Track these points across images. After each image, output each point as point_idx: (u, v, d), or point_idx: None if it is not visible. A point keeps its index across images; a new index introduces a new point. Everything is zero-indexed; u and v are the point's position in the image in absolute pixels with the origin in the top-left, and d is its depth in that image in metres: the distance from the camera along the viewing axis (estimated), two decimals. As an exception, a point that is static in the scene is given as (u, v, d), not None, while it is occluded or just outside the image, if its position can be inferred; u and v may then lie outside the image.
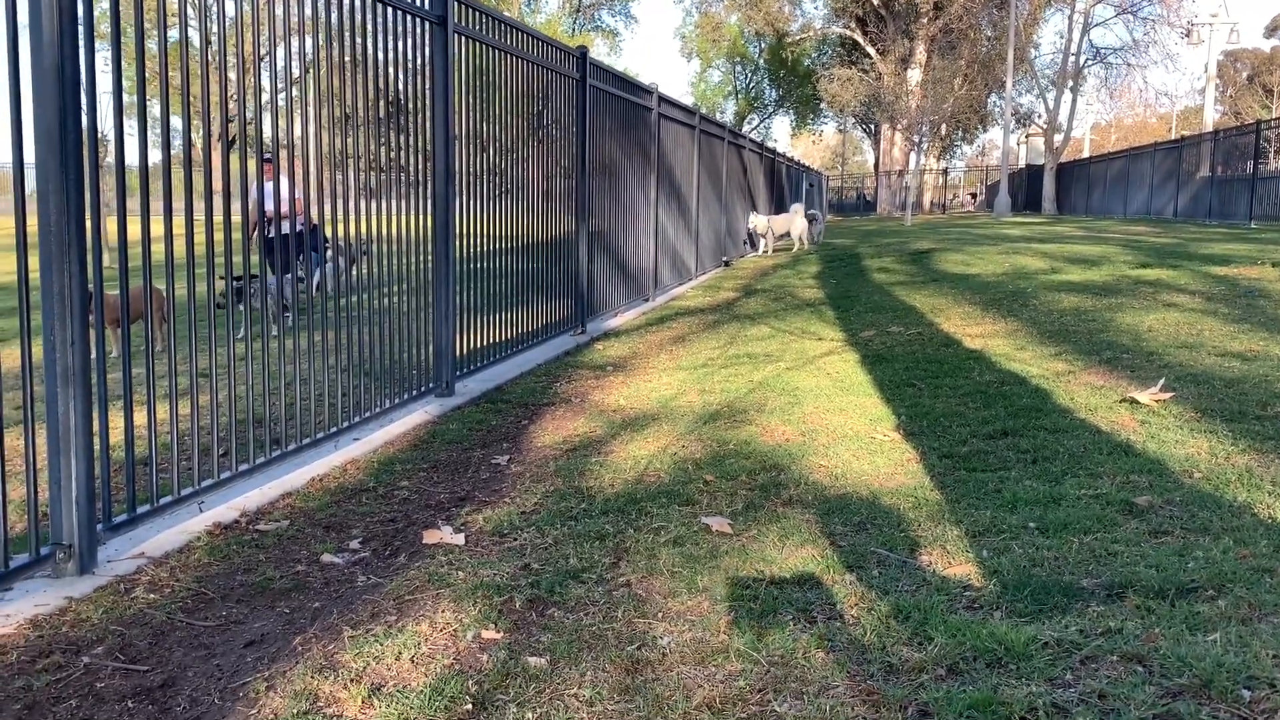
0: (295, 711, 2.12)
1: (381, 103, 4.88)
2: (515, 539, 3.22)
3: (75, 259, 2.89)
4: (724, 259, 15.82)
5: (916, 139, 31.40)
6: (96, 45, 3.01)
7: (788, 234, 19.10)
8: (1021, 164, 47.13)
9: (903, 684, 2.14)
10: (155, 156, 3.70)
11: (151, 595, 2.80)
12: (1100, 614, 2.45)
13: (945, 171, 51.31)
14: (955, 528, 3.19)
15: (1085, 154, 52.24)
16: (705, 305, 10.23)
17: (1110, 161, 36.00)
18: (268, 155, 4.14)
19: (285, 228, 5.01)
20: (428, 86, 5.31)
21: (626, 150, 9.44)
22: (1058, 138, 40.37)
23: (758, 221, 18.19)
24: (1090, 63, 40.84)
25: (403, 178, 5.14)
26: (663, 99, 10.69)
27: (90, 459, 2.97)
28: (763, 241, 18.55)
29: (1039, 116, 43.43)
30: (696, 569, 2.89)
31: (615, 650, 2.36)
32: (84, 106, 2.91)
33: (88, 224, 2.93)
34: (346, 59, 4.47)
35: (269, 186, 4.26)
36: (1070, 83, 39.77)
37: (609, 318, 9.01)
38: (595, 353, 7.24)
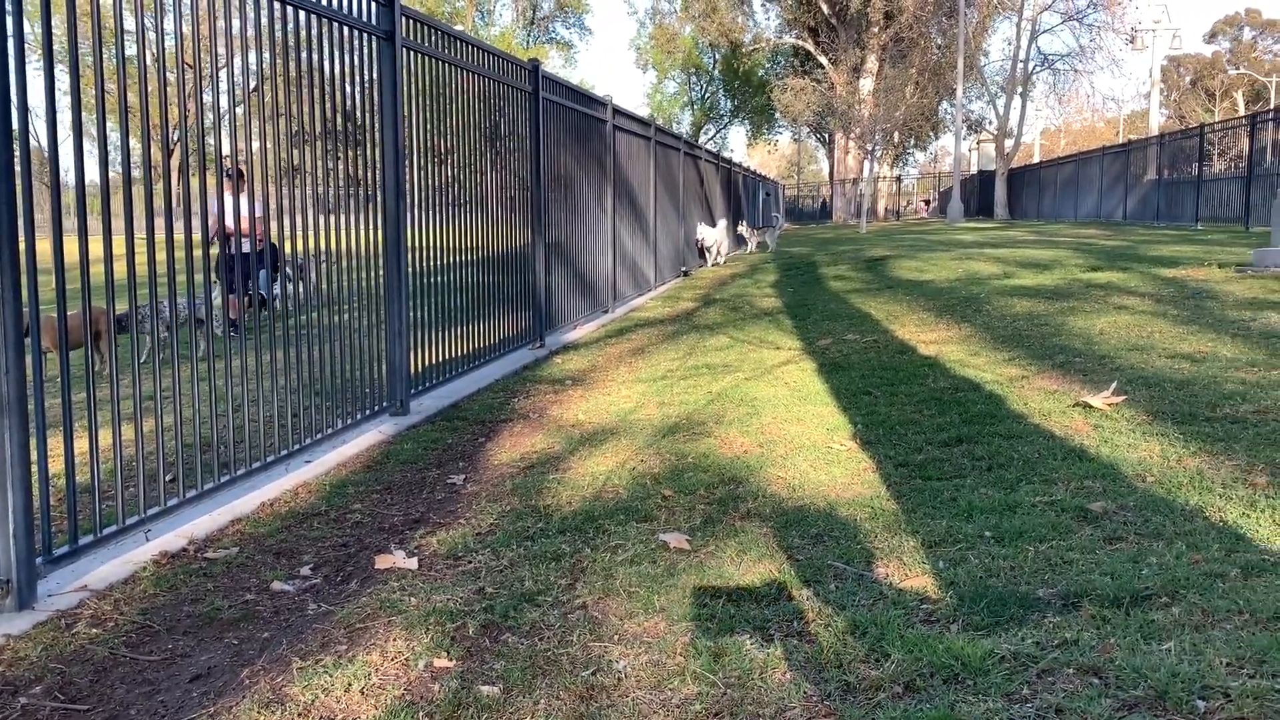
0: (240, 750, 2.06)
1: (332, 118, 4.82)
2: (470, 562, 3.17)
3: (9, 285, 2.81)
4: (683, 269, 15.84)
5: (870, 147, 31.69)
6: (35, 61, 2.93)
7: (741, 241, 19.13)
8: (973, 170, 47.74)
9: (860, 703, 2.12)
10: (112, 175, 3.61)
11: (94, 630, 2.72)
12: (1056, 625, 2.45)
13: (899, 179, 51.84)
14: (911, 538, 3.18)
15: (1036, 159, 53.03)
16: (664, 316, 10.22)
17: (1060, 166, 36.56)
18: (231, 170, 4.07)
19: (243, 245, 4.92)
20: (377, 101, 5.25)
21: (582, 162, 9.41)
22: (1008, 143, 40.95)
23: (705, 233, 18.03)
24: (1039, 69, 41.54)
25: (354, 192, 5.07)
26: (617, 111, 10.68)
27: (29, 490, 2.87)
28: (709, 254, 18.44)
29: (990, 123, 44.08)
30: (654, 588, 2.86)
31: (570, 676, 2.32)
32: (14, 124, 2.83)
33: (21, 246, 2.85)
34: (295, 75, 4.40)
35: (228, 202, 4.18)
36: (1020, 89, 40.39)
37: (568, 330, 8.97)
38: (554, 366, 7.20)
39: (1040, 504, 3.45)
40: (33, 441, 2.92)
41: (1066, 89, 41.68)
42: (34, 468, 2.91)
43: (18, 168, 2.83)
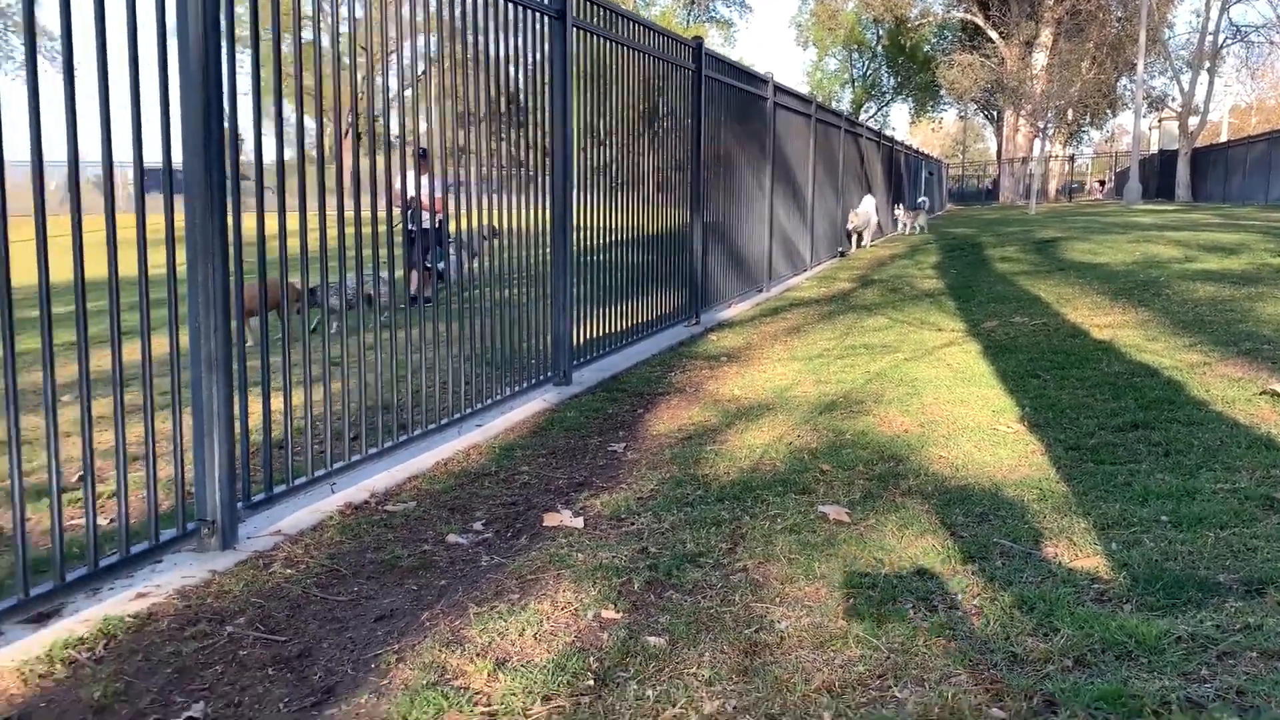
0: (425, 682, 2.20)
1: (502, 98, 4.99)
2: (632, 523, 3.27)
3: (218, 252, 3.05)
4: (839, 250, 15.62)
5: (1041, 125, 30.34)
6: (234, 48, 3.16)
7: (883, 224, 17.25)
8: (1154, 149, 45.06)
9: (1027, 674, 2.10)
10: (295, 154, 3.87)
11: (288, 570, 2.93)
12: (1238, 610, 2.35)
13: (1072, 158, 49.44)
14: (1082, 520, 3.10)
15: (1223, 138, 49.63)
16: (820, 296, 10.13)
17: (1250, 145, 34.08)
18: (422, 149, 4.29)
19: (426, 221, 5.17)
20: (547, 80, 5.40)
21: (741, 140, 9.40)
22: (1193, 121, 38.46)
23: (858, 214, 16.76)
24: (1229, 42, 38.76)
25: (521, 172, 5.24)
26: (778, 88, 10.61)
27: (232, 441, 3.13)
28: (865, 236, 17.38)
29: (1173, 100, 41.45)
30: (813, 556, 2.89)
31: (733, 633, 2.38)
32: (225, 107, 3.07)
33: (229, 220, 3.09)
34: (469, 56, 4.58)
35: (420, 181, 4.40)
36: (1207, 64, 37.82)
37: (722, 309, 9.01)
38: (709, 343, 7.25)
39: (1222, 491, 3.30)
40: (234, 399, 3.16)
41: (1260, 63, 38.86)
42: (235, 423, 3.16)
43: (226, 149, 3.07)
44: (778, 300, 9.91)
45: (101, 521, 3.01)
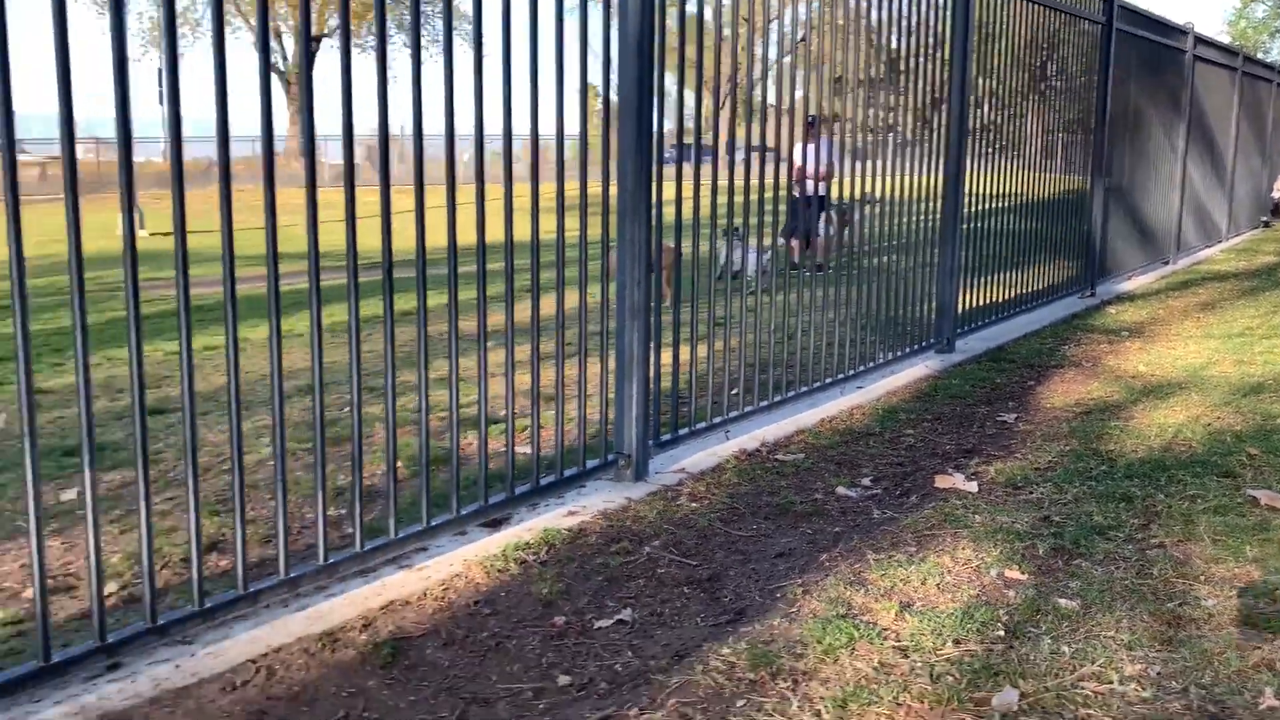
0: (833, 614, 2.33)
1: (892, 63, 4.96)
2: (1031, 492, 3.20)
3: (644, 212, 3.34)
4: (1263, 220, 13.86)
5: None
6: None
7: None
8: None
9: None
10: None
11: (693, 504, 3.18)
12: None
13: None
14: None
15: None
16: (1239, 270, 9.10)
17: None
18: (811, 119, 4.43)
19: (817, 189, 5.29)
20: (944, 41, 5.28)
21: (1152, 97, 8.62)
22: None
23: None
24: None
25: (905, 137, 5.17)
26: (1198, 39, 9.58)
27: (647, 384, 3.43)
28: None
29: None
30: (1243, 539, 2.69)
31: (1152, 604, 2.29)
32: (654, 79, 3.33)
33: (653, 185, 3.37)
34: (856, 20, 4.60)
35: (809, 149, 4.54)
36: None
37: (1121, 280, 8.36)
38: (1107, 316, 6.79)
39: None
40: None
41: None
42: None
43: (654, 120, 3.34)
44: (1186, 273, 9.03)
45: (529, 450, 3.42)
